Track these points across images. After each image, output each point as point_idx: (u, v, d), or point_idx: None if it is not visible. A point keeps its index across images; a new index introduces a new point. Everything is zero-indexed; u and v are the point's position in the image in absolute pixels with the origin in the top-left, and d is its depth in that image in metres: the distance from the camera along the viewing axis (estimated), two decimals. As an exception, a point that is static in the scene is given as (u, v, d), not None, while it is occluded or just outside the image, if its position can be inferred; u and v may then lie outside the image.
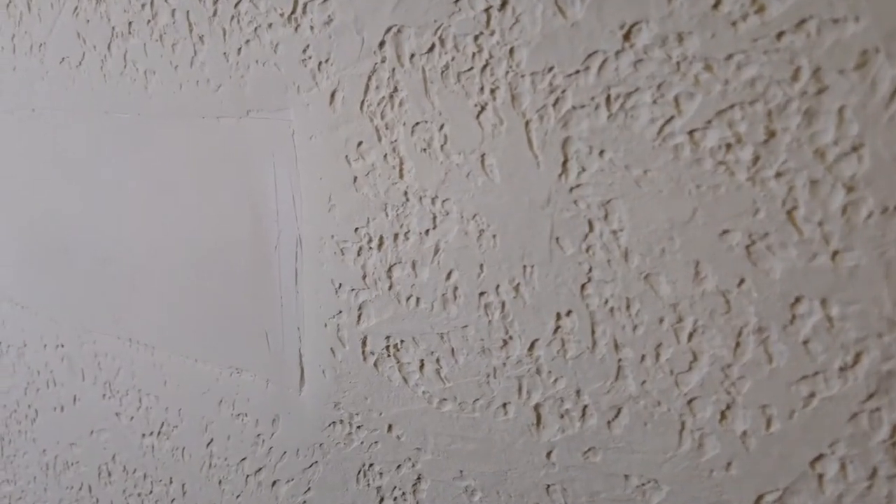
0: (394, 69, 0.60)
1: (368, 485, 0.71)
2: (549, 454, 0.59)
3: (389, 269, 0.65)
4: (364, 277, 0.67)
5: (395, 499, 0.70)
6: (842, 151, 0.44)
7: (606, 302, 0.54)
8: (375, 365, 0.68)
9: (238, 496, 0.84)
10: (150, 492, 0.94)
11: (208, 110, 0.74)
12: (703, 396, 0.51)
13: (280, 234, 0.73)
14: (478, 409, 0.62)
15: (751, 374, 0.49)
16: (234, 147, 0.74)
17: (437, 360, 0.64)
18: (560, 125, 0.53)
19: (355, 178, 0.65)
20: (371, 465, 0.71)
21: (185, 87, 0.75)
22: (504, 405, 0.61)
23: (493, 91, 0.55)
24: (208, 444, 0.86)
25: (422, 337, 0.64)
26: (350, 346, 0.69)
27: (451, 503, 0.66)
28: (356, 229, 0.66)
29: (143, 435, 0.94)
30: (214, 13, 0.71)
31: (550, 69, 0.52)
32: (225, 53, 0.71)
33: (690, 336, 0.50)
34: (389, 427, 0.69)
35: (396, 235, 0.64)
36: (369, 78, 0.62)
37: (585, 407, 0.56)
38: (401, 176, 0.62)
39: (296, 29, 0.65)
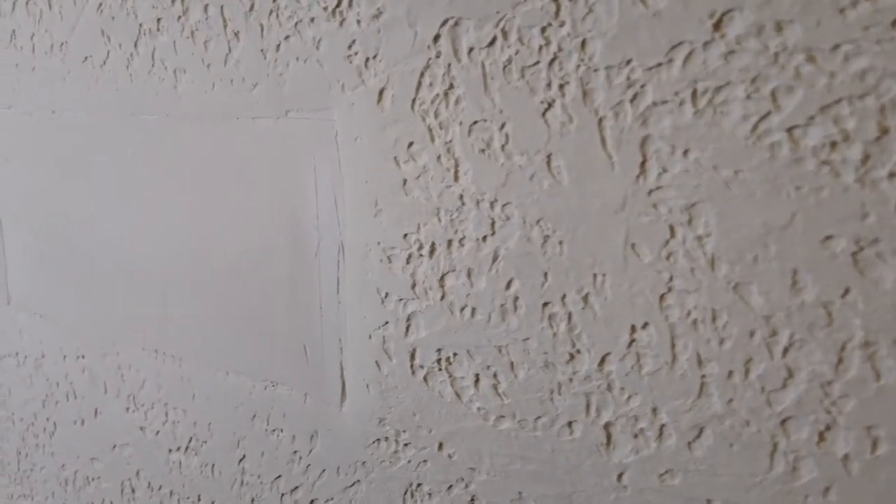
0: (449, 65, 0.56)
1: (416, 506, 0.67)
2: (620, 476, 0.55)
3: (442, 278, 0.61)
4: (413, 286, 0.63)
5: (445, 521, 0.66)
6: (966, 149, 0.40)
7: (689, 313, 0.50)
8: (425, 379, 0.64)
9: (273, 516, 0.80)
10: (178, 510, 0.91)
11: (243, 111, 0.70)
12: (798, 416, 0.47)
13: (320, 240, 0.69)
14: (540, 427, 0.58)
15: (855, 391, 0.45)
16: (271, 149, 0.70)
17: (495, 375, 0.60)
18: (638, 123, 0.49)
19: (405, 182, 0.61)
20: (419, 484, 0.67)
21: (219, 87, 0.71)
22: (569, 424, 0.57)
23: (561, 87, 0.51)
24: (240, 461, 0.82)
25: (477, 350, 0.60)
26: (397, 360, 0.65)
27: (508, 527, 0.62)
28: (405, 235, 0.62)
29: (170, 450, 0.90)
30: (251, 8, 0.67)
31: (628, 62, 0.48)
32: (262, 50, 0.67)
33: (786, 351, 0.46)
34: (440, 445, 0.65)
35: (450, 242, 0.60)
36: (422, 74, 0.58)
37: (663, 426, 0.52)
38: (456, 178, 0.58)
39: (341, 23, 0.61)
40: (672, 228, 0.49)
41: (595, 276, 0.53)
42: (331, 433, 0.73)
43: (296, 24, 0.64)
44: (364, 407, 0.69)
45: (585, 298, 0.54)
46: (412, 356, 0.65)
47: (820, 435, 0.47)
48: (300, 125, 0.67)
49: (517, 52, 0.53)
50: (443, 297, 0.61)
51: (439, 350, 0.63)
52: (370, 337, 0.67)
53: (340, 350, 0.70)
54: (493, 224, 0.57)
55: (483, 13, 0.54)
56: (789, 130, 0.44)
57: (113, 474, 0.99)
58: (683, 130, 0.47)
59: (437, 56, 0.57)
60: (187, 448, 0.88)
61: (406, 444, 0.67)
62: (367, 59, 0.61)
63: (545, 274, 0.55)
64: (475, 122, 0.56)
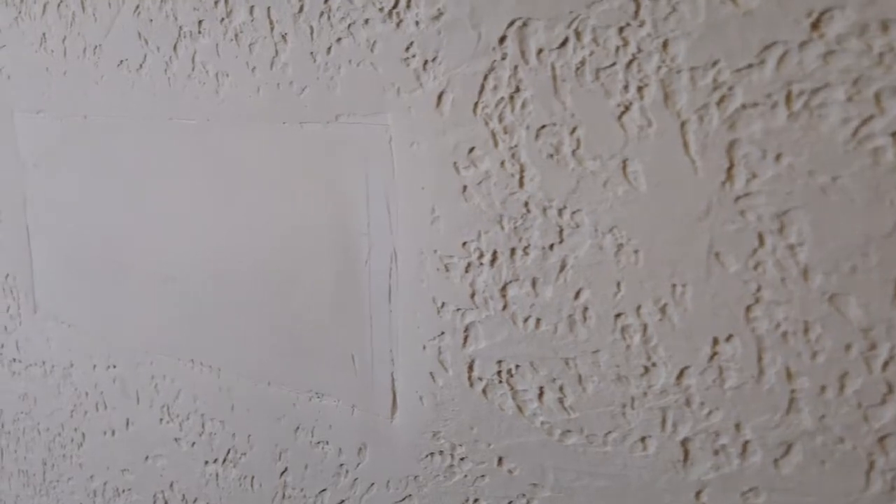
0: (516, 67, 0.54)
1: (473, 522, 0.65)
2: (698, 494, 0.53)
3: (504, 288, 0.59)
4: (472, 296, 0.61)
5: (504, 538, 0.64)
6: None
7: (778, 326, 0.47)
8: (484, 392, 0.62)
9: (317, 530, 0.78)
10: (215, 523, 0.88)
11: (290, 115, 0.68)
12: (898, 433, 0.45)
13: (371, 248, 0.67)
14: (610, 442, 0.56)
15: (961, 408, 0.43)
16: (319, 155, 0.68)
17: (561, 388, 0.58)
18: (725, 126, 0.47)
19: (465, 188, 0.59)
20: (476, 500, 0.65)
21: (264, 91, 0.69)
22: (643, 439, 0.55)
23: (640, 89, 0.49)
24: (282, 474, 0.80)
25: (542, 362, 0.58)
26: (454, 371, 0.63)
27: (574, 545, 0.60)
28: (464, 243, 0.60)
29: (206, 462, 0.88)
30: (300, 9, 0.65)
31: (715, 63, 0.46)
32: (312, 53, 0.65)
33: (885, 365, 0.44)
34: (499, 460, 0.63)
35: (513, 250, 0.58)
36: (485, 77, 0.56)
37: (746, 443, 0.50)
38: (521, 185, 0.56)
39: (398, 25, 0.59)
40: (761, 236, 0.47)
41: (674, 286, 0.51)
42: (380, 446, 0.71)
43: (349, 25, 0.62)
44: (417, 419, 0.67)
45: (663, 309, 0.52)
46: (470, 368, 0.62)
47: (922, 453, 0.44)
48: (351, 130, 0.65)
49: (591, 54, 0.51)
50: (504, 308, 0.59)
51: (500, 362, 0.61)
52: (424, 348, 0.65)
53: (391, 361, 0.68)
54: (560, 232, 0.55)
55: (554, 13, 0.51)
56: (894, 135, 0.42)
57: (145, 486, 0.97)
58: (775, 134, 0.45)
59: (503, 58, 0.55)
60: (225, 460, 0.86)
61: (462, 459, 0.65)
62: (426, 62, 0.59)
63: (618, 284, 0.53)
64: (543, 127, 0.54)
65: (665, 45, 0.48)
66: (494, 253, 0.59)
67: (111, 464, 1.01)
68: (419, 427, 0.67)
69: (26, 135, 0.96)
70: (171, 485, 0.93)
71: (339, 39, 0.63)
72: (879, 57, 0.41)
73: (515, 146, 0.56)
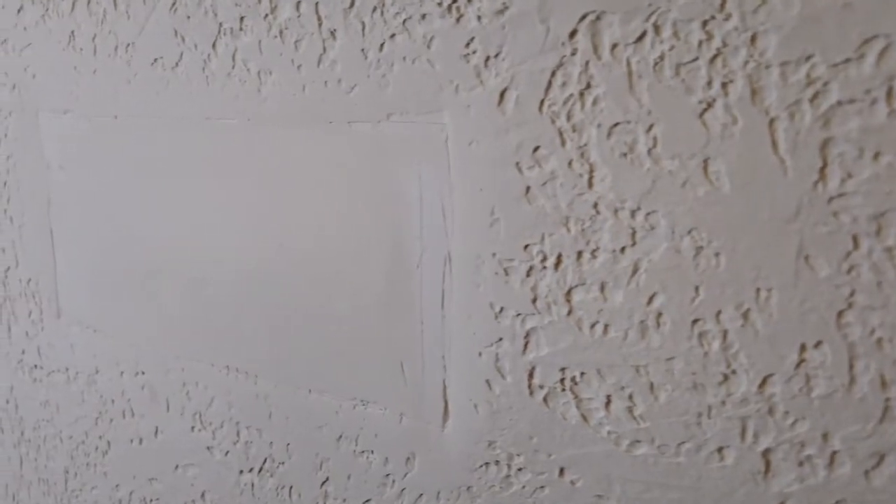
0: (587, 62, 0.52)
1: (531, 534, 0.63)
2: (780, 507, 0.51)
3: (569, 292, 0.57)
4: (534, 301, 0.59)
5: (565, 551, 0.62)
6: None
7: (872, 332, 0.45)
8: (545, 400, 0.60)
9: (361, 542, 0.75)
10: (250, 534, 0.86)
11: (337, 114, 0.66)
12: None
13: (423, 252, 0.64)
14: (683, 453, 0.54)
15: None
16: (368, 155, 0.66)
17: (630, 397, 0.56)
18: (819, 124, 0.45)
19: (528, 189, 0.57)
20: (535, 512, 0.63)
21: (310, 89, 0.67)
22: (720, 449, 0.53)
23: (724, 85, 0.47)
24: (322, 484, 0.78)
25: (610, 370, 0.56)
26: (512, 379, 0.61)
27: (642, 558, 0.58)
28: (526, 246, 0.58)
29: (241, 471, 0.85)
30: (351, 5, 0.62)
31: (808, 58, 0.44)
32: (363, 50, 0.63)
33: None
34: (561, 471, 0.60)
35: (580, 253, 0.56)
36: (553, 73, 0.54)
37: (835, 453, 0.48)
38: (590, 185, 0.54)
39: (457, 20, 0.57)
40: (856, 239, 0.45)
41: (758, 290, 0.49)
42: (430, 456, 0.68)
43: (404, 21, 0.60)
44: (471, 428, 0.65)
45: (745, 315, 0.49)
46: (530, 375, 0.60)
47: None
48: (403, 129, 0.63)
49: (671, 48, 0.49)
50: (569, 313, 0.57)
51: (563, 369, 0.58)
52: (480, 354, 0.63)
53: (444, 368, 0.66)
54: (633, 234, 0.53)
55: (631, 6, 0.49)
56: None
57: (174, 496, 0.94)
58: (875, 132, 0.43)
59: (573, 53, 0.52)
60: (261, 469, 0.83)
61: (520, 469, 0.63)
62: (488, 58, 0.56)
63: (696, 288, 0.51)
64: (616, 125, 0.52)
65: (753, 38, 0.46)
66: (559, 256, 0.57)
67: (138, 473, 0.98)
68: (473, 436, 0.65)
69: (51, 135, 0.93)
70: (203, 494, 0.91)
71: (392, 36, 0.61)
72: None
73: (585, 145, 0.53)
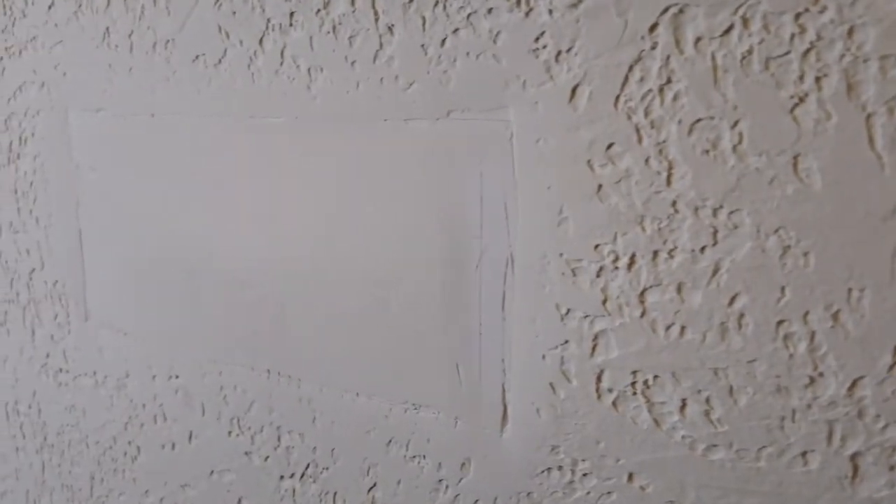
0: (668, 56, 0.51)
1: (597, 541, 0.62)
2: (870, 513, 0.50)
3: (642, 293, 0.55)
4: (604, 302, 0.57)
5: (633, 558, 0.60)
6: None
7: (975, 333, 0.44)
8: (614, 404, 0.58)
9: (411, 549, 0.74)
10: (292, 541, 0.84)
11: (394, 112, 0.65)
12: None
13: (484, 252, 0.63)
14: (764, 458, 0.53)
15: None
16: (426, 153, 0.64)
17: (707, 401, 0.54)
18: (922, 119, 0.43)
19: (600, 187, 0.55)
20: (600, 518, 0.61)
21: (364, 86, 0.66)
22: (804, 454, 0.51)
23: (818, 80, 0.46)
24: (370, 490, 0.76)
25: (685, 373, 0.55)
26: (579, 382, 0.60)
27: (717, 566, 0.56)
28: (596, 246, 0.57)
29: (282, 477, 0.83)
30: (410, 0, 0.61)
31: (911, 51, 0.43)
32: (423, 45, 0.61)
33: None
34: (630, 476, 0.59)
35: (656, 253, 0.54)
36: (630, 68, 0.52)
37: (931, 458, 0.47)
38: (668, 183, 0.52)
39: (527, 14, 0.56)
40: (959, 238, 0.44)
41: (850, 290, 0.47)
42: (487, 461, 0.67)
43: (468, 15, 0.58)
44: (532, 433, 0.63)
45: (835, 316, 0.48)
46: (598, 378, 0.59)
47: None
48: (465, 126, 0.61)
49: (761, 42, 0.47)
50: (643, 315, 0.56)
51: (635, 372, 0.57)
52: (544, 357, 0.61)
53: (503, 371, 0.64)
54: (715, 233, 0.51)
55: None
56: None
57: (209, 502, 0.93)
58: (983, 127, 0.42)
59: (653, 47, 0.51)
60: (303, 475, 0.82)
61: (585, 475, 0.61)
62: (559, 53, 0.55)
63: (782, 289, 0.50)
64: (698, 121, 0.50)
65: (850, 32, 0.44)
66: (632, 256, 0.55)
67: (170, 479, 0.96)
68: (535, 441, 0.63)
69: (82, 134, 0.91)
70: (240, 501, 0.89)
71: (455, 30, 0.59)
72: None
73: (663, 142, 0.52)
